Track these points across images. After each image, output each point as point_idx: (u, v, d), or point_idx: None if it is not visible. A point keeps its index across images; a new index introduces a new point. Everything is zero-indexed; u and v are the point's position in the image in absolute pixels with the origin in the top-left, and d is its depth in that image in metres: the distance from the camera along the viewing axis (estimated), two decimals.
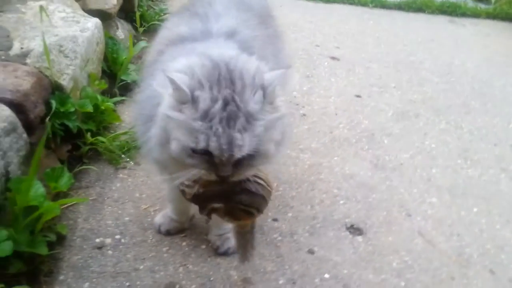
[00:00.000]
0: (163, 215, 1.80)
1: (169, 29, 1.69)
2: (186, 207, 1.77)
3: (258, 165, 1.19)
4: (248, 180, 1.18)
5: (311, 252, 1.79)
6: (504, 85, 3.50)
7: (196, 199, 1.20)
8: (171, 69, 1.17)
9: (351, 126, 2.65)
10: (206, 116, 1.10)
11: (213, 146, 1.09)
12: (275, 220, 1.91)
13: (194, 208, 1.81)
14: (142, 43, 2.66)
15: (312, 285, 1.66)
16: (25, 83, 1.72)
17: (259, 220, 1.87)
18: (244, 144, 1.11)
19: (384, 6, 5.03)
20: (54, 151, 1.97)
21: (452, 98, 3.17)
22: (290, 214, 1.96)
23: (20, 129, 1.58)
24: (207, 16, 1.54)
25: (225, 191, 1.18)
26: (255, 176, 1.19)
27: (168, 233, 1.78)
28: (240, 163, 1.14)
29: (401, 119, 2.80)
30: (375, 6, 4.99)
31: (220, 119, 1.09)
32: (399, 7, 5.06)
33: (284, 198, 2.04)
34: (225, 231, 1.73)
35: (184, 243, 1.75)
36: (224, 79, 1.14)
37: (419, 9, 5.11)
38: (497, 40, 4.54)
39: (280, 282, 1.65)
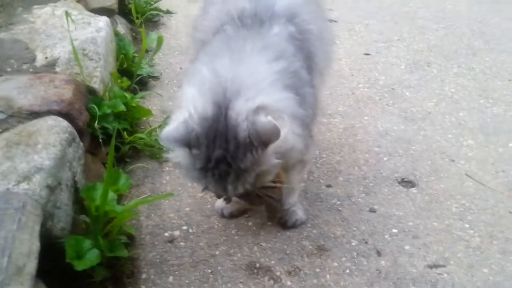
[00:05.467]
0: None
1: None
2: None
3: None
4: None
5: (372, 210, 1.83)
6: (499, 22, 3.57)
7: None
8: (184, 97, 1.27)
9: (370, 84, 2.68)
10: (202, 170, 1.23)
11: (211, 190, 1.30)
12: (328, 186, 1.95)
13: None
14: (153, 35, 2.62)
15: (384, 241, 1.70)
16: (66, 92, 1.69)
17: (314, 188, 1.92)
18: (238, 190, 1.27)
19: None
20: (96, 155, 1.96)
21: (456, 42, 3.22)
22: (341, 178, 1.99)
23: (78, 138, 1.57)
24: None
25: None
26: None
27: (232, 215, 1.79)
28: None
29: (415, 70, 2.84)
30: None
31: (213, 175, 1.23)
32: None
33: (330, 164, 2.07)
34: (290, 205, 1.76)
35: (250, 223, 1.78)
36: (220, 137, 1.20)
37: None
38: None
39: (353, 244, 1.69)
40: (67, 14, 1.86)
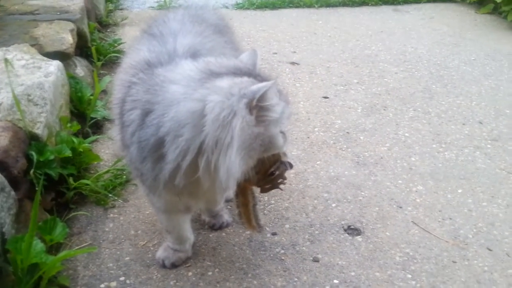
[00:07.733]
0: (165, 249, 1.77)
1: (131, 57, 1.60)
2: (187, 233, 1.75)
3: None
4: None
5: (315, 260, 1.81)
6: (458, 65, 3.64)
7: None
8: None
9: (325, 128, 2.70)
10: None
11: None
12: (274, 234, 1.93)
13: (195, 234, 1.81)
14: (107, 78, 2.62)
15: None
16: (2, 139, 1.67)
17: (259, 237, 1.90)
18: None
19: (329, 4, 5.15)
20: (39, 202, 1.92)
21: (414, 85, 3.28)
22: (287, 226, 1.97)
23: (8, 187, 1.54)
24: (163, 36, 1.53)
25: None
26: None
27: (174, 266, 1.75)
28: None
29: (371, 114, 2.87)
30: (321, 6, 5.10)
31: None
32: (343, 4, 5.19)
33: (278, 211, 2.05)
34: (217, 211, 1.93)
35: (190, 273, 1.74)
36: None
37: (363, 3, 5.26)
38: (442, 21, 4.73)
39: None
40: (6, 61, 1.85)
